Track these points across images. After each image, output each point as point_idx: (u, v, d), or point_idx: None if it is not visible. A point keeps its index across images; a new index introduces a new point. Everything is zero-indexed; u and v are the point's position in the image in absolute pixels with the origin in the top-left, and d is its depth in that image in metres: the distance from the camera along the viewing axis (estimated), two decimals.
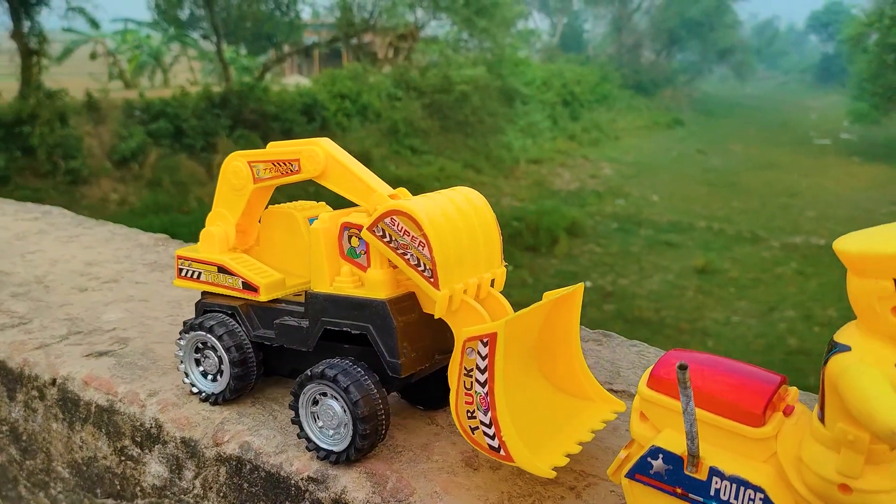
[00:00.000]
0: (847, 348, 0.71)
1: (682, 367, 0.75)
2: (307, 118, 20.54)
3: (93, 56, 20.77)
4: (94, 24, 19.73)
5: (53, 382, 1.34)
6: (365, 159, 1.04)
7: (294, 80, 24.97)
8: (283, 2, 24.55)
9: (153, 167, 16.95)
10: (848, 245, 0.70)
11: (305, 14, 27.16)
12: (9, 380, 1.40)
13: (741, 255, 15.86)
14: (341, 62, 26.85)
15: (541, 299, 1.07)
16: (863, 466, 0.71)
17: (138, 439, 1.23)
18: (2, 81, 15.50)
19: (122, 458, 1.26)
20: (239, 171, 1.24)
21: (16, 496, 1.47)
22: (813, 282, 14.14)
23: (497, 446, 0.97)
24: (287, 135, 19.49)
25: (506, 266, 1.15)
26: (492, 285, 1.12)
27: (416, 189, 1.14)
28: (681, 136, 32.00)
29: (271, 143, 1.22)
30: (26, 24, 15.25)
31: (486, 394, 0.97)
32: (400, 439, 1.15)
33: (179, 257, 1.29)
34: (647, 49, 41.67)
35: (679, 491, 0.82)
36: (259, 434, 1.15)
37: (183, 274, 1.29)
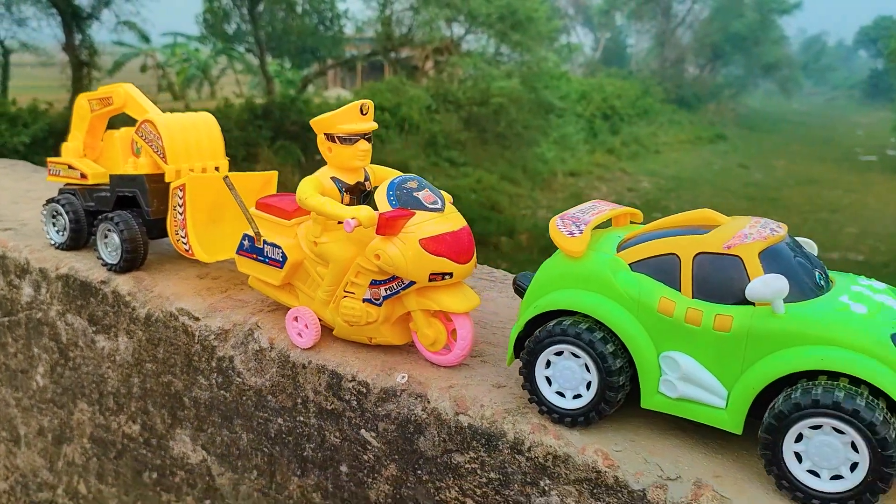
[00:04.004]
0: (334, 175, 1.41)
1: (225, 178, 1.45)
2: None
3: (143, 69, 21.62)
4: (145, 37, 20.56)
5: None
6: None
7: (336, 93, 25.72)
8: (327, 17, 25.43)
9: None
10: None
11: (349, 29, 28.01)
12: None
13: None
14: (383, 75, 27.63)
15: None
16: (321, 231, 1.39)
17: (18, 273, 1.96)
18: (53, 93, 16.45)
19: (10, 287, 1.99)
20: (83, 105, 1.96)
21: None
22: None
23: (188, 248, 1.67)
24: None
25: (228, 158, 1.85)
26: (217, 170, 1.83)
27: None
28: (723, 151, 32.03)
29: (101, 87, 1.94)
30: (77, 38, 16.05)
31: (183, 219, 1.67)
32: (166, 267, 1.85)
33: (49, 161, 2.00)
34: (690, 64, 41.90)
35: (255, 256, 1.51)
36: (80, 261, 1.85)
37: (51, 172, 2.00)
